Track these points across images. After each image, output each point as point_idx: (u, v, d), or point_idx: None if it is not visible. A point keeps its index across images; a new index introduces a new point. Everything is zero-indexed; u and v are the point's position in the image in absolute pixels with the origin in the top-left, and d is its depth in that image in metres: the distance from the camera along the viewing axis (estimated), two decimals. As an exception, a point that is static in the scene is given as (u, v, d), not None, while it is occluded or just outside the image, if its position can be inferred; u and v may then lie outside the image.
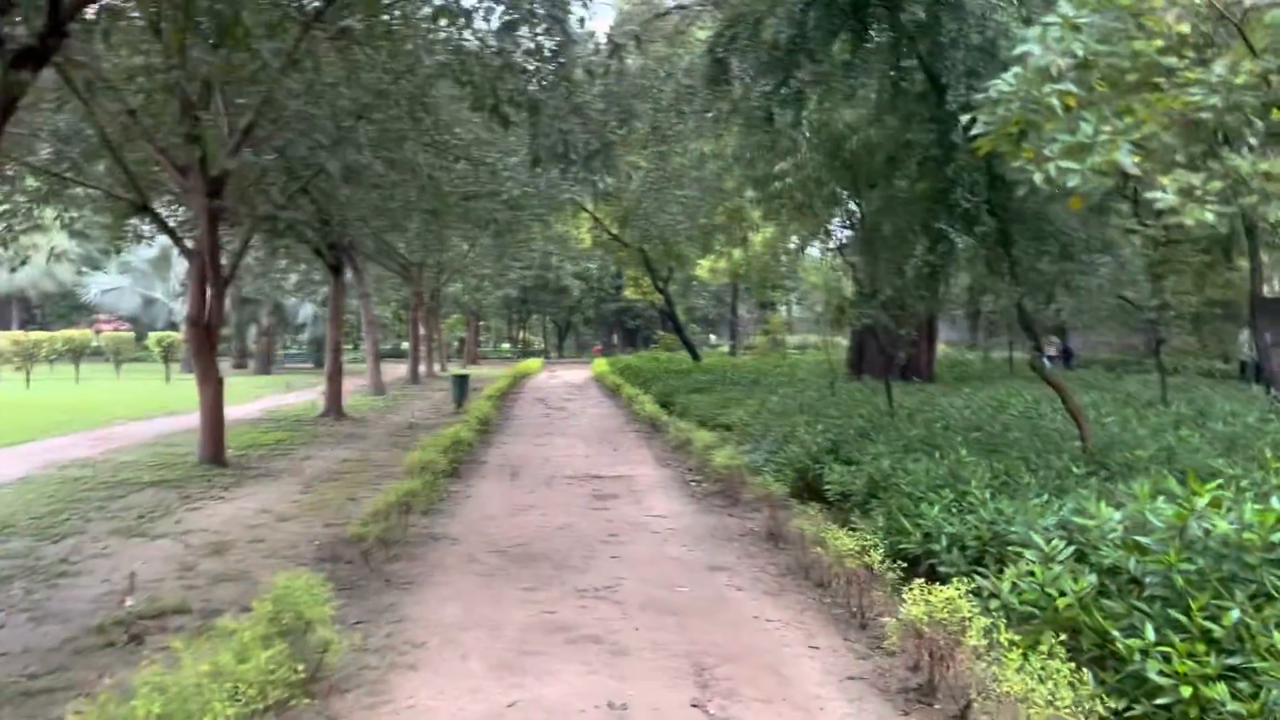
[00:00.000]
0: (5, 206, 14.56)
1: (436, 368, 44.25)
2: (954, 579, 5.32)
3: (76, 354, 38.99)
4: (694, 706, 4.98)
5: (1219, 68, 5.23)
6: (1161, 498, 5.50)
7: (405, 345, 45.83)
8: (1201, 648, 4.22)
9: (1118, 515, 5.34)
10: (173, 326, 45.07)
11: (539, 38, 9.69)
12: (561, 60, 9.87)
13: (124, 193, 14.02)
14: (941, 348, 32.04)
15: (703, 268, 45.49)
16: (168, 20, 9.91)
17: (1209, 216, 4.87)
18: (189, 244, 14.35)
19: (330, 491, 11.58)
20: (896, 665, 5.58)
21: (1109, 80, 5.69)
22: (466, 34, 9.97)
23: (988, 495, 7.07)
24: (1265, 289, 20.40)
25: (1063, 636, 4.55)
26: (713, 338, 73.92)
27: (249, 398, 27.15)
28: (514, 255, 36.24)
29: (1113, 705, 4.06)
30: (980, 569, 6.07)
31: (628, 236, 33.68)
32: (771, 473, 10.47)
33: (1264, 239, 19.11)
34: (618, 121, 11.80)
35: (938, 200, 9.21)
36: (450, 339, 65.24)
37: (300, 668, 4.54)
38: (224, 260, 15.52)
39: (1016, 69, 5.54)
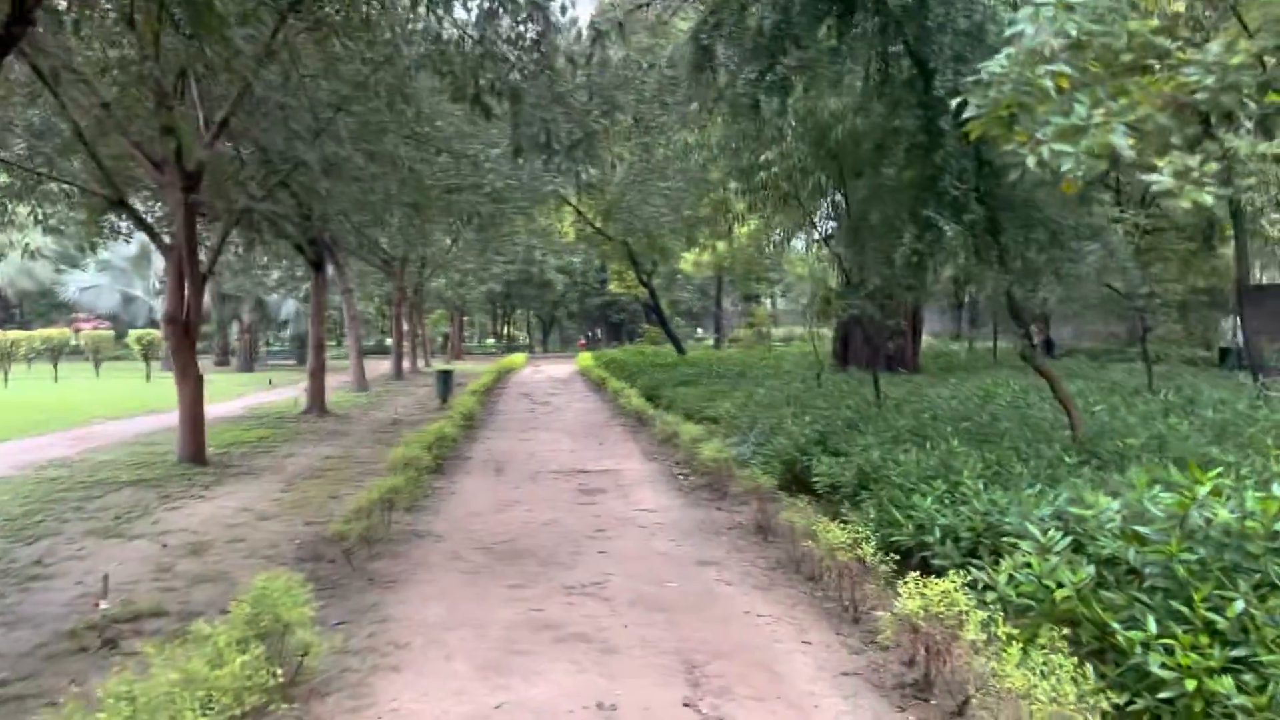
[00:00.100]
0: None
1: (420, 363, 44.04)
2: (949, 572, 5.21)
3: (55, 353, 38.51)
4: (685, 706, 4.85)
5: (1215, 48, 5.13)
6: (1158, 487, 5.40)
7: (389, 341, 45.52)
8: (1205, 640, 4.12)
9: (1115, 505, 5.24)
10: (153, 324, 44.56)
11: (520, 26, 9.53)
12: (543, 49, 9.71)
13: (99, 188, 13.78)
14: (926, 339, 32.01)
15: (687, 261, 45.38)
16: (140, 10, 9.68)
17: (1207, 198, 4.77)
18: (166, 240, 14.09)
19: (312, 489, 11.40)
20: (891, 660, 5.47)
21: (1103, 61, 5.59)
22: (446, 23, 9.80)
23: (980, 486, 6.97)
24: (1262, 277, 20.33)
25: (1066, 631, 4.44)
26: (700, 331, 73.83)
27: (231, 395, 26.88)
28: (497, 249, 36.08)
29: (1114, 700, 3.94)
30: (974, 561, 5.97)
31: (611, 230, 33.51)
32: (759, 465, 10.37)
33: (1248, 226, 19.14)
34: (600, 112, 11.61)
35: (925, 188, 9.10)
36: (434, 334, 64.98)
37: (279, 671, 4.39)
38: (203, 256, 15.31)
39: (1009, 50, 5.41)
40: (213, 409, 20.14)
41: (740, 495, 10.35)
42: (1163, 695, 4.10)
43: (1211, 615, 4.23)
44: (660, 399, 20.13)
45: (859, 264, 11.42)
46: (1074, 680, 3.93)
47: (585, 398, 26.52)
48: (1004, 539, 5.88)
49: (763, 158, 12.59)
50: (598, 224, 34.58)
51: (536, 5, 9.02)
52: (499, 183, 16.84)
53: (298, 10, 10.34)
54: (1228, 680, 3.91)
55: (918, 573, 5.26)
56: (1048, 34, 5.29)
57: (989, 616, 4.64)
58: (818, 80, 10.05)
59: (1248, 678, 3.94)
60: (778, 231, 27.18)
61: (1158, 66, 5.69)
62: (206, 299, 40.21)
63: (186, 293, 13.18)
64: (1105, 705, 3.81)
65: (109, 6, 10.86)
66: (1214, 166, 4.88)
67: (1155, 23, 5.35)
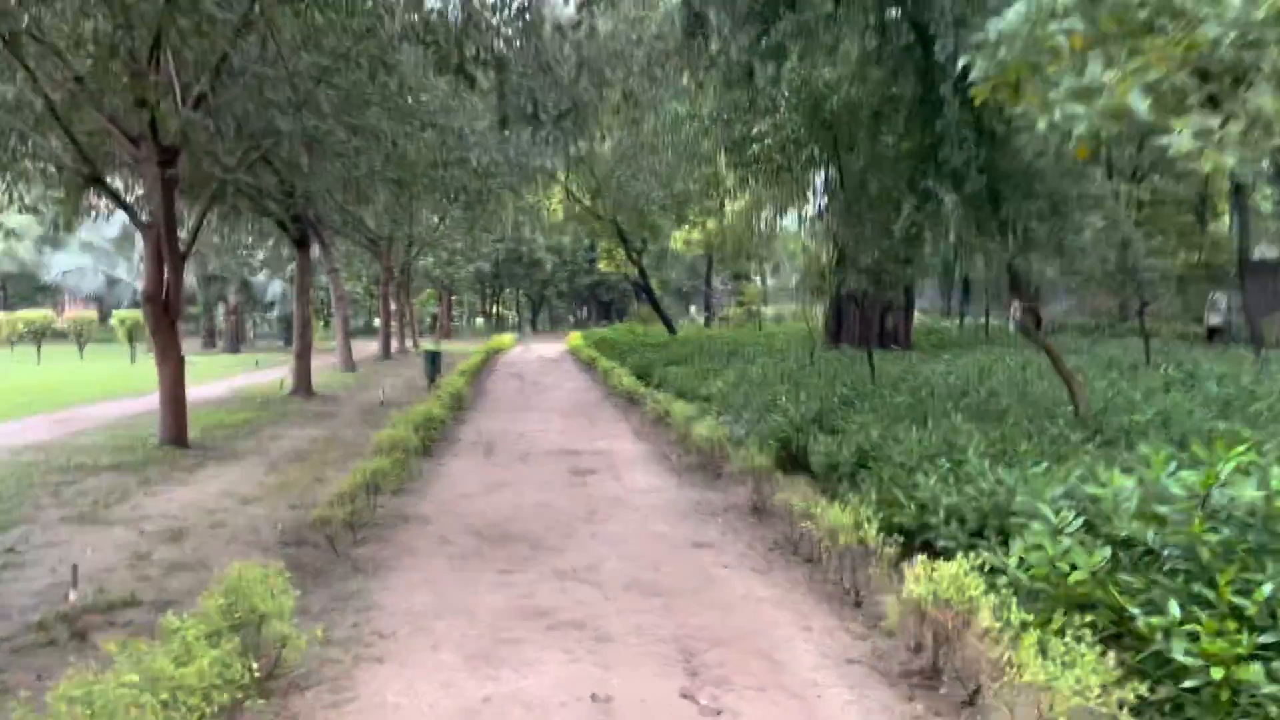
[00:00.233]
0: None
1: (409, 344, 43.67)
2: (958, 555, 4.98)
3: (38, 335, 38.04)
4: (684, 697, 4.62)
5: (1236, 1, 4.87)
6: (1174, 464, 5.18)
7: (377, 321, 45.10)
8: (1232, 625, 3.90)
9: (1131, 484, 5.01)
10: (137, 306, 43.97)
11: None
12: (528, 16, 9.39)
13: (75, 165, 13.39)
14: (916, 315, 31.80)
15: (677, 239, 45.03)
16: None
17: (1230, 161, 4.52)
18: (144, 218, 13.72)
19: (296, 472, 11.13)
20: (896, 646, 5.26)
21: (1117, 18, 5.31)
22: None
23: (985, 464, 6.74)
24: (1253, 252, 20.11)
25: (1088, 618, 4.21)
26: (692, 309, 73.51)
27: (217, 376, 26.52)
28: (485, 228, 35.64)
29: (1139, 690, 3.72)
30: (981, 542, 5.75)
31: (600, 207, 33.15)
32: (754, 444, 10.13)
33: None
34: (590, 83, 11.29)
35: (924, 158, 8.84)
36: (422, 314, 64.52)
37: (254, 666, 4.14)
38: (184, 235, 14.94)
39: (1018, 6, 5.13)
40: (197, 391, 19.83)
41: (735, 475, 10.13)
42: (1187, 684, 3.89)
43: (1238, 599, 4.02)
44: (651, 378, 19.90)
45: (855, 238, 11.15)
46: (1094, 670, 3.70)
47: (575, 377, 26.27)
48: (1012, 519, 5.67)
49: (755, 129, 12.30)
50: (586, 201, 34.20)
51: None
52: (485, 158, 16.49)
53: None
54: (1256, 668, 3.69)
55: (924, 555, 5.03)
56: (1060, -13, 5.01)
57: (1001, 601, 4.42)
58: (813, 47, 9.76)
59: (1277, 665, 3.72)
60: (768, 208, 26.90)
61: (1171, 27, 5.43)
62: (191, 280, 39.93)
63: (166, 272, 12.84)
64: (1130, 697, 3.58)
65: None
66: (1237, 128, 4.62)
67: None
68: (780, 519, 8.20)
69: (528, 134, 14.57)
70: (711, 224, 37.57)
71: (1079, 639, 3.84)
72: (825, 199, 18.75)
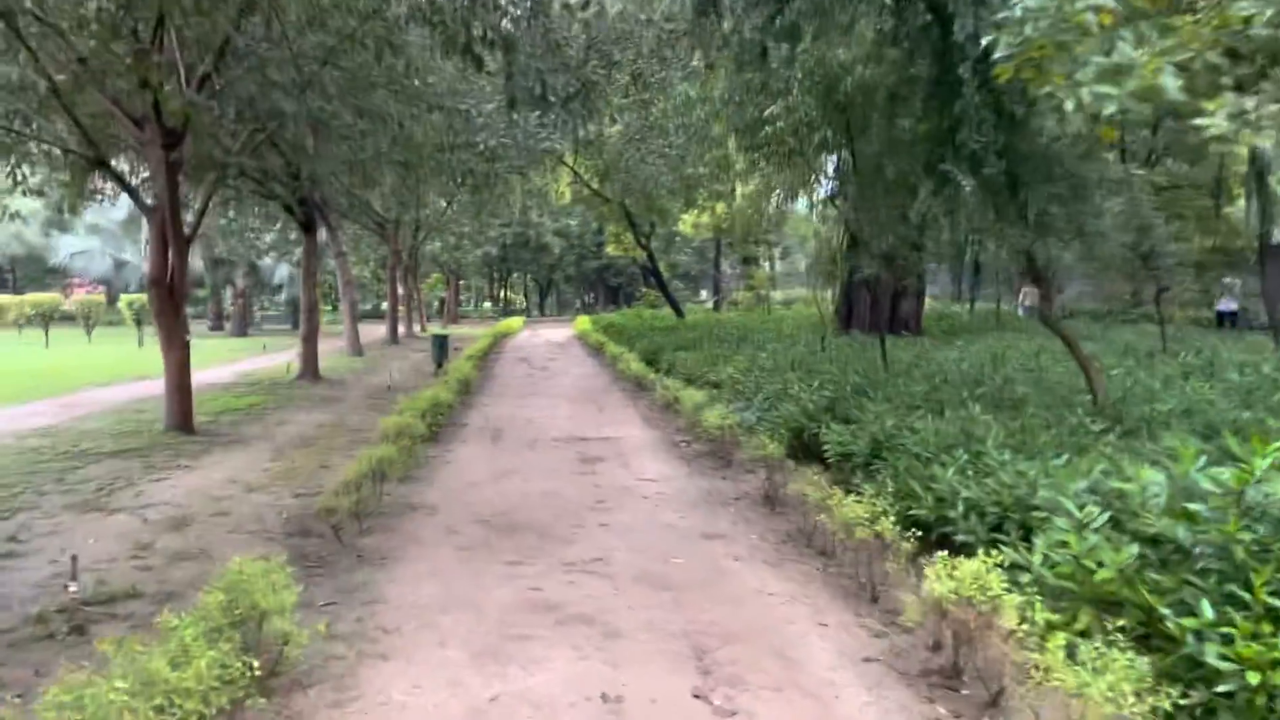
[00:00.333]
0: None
1: (416, 328, 43.57)
2: (979, 550, 4.83)
3: (46, 318, 38.00)
4: (696, 697, 4.49)
5: (1272, -23, 4.67)
6: (1203, 458, 5.00)
7: (385, 305, 44.96)
8: (1268, 628, 3.75)
9: (1161, 479, 4.84)
10: (144, 289, 44.01)
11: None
12: (537, -6, 9.21)
13: (78, 147, 13.25)
14: (927, 301, 31.56)
15: (685, 223, 44.74)
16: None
17: (1268, 142, 4.34)
18: (149, 201, 13.58)
19: (302, 458, 11.02)
20: (914, 644, 5.12)
21: (1148, -6, 5.12)
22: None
23: (1005, 456, 6.57)
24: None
25: (1119, 621, 4.05)
26: (704, 294, 73.20)
27: (224, 360, 26.44)
28: (493, 211, 35.43)
29: (1174, 697, 3.56)
30: (1000, 537, 5.60)
31: (609, 190, 32.90)
32: (765, 432, 9.98)
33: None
34: (598, 63, 11.09)
35: (942, 141, 8.64)
36: (430, 298, 64.41)
37: (255, 664, 4.01)
38: (190, 218, 14.81)
39: (1046, -20, 4.93)
40: (204, 375, 19.77)
41: (745, 463, 10.00)
42: (1221, 689, 3.74)
43: (1274, 600, 3.86)
44: (660, 363, 19.75)
45: (869, 222, 10.95)
46: (1127, 677, 3.55)
47: (583, 362, 26.12)
48: (1032, 513, 5.51)
49: (768, 111, 12.08)
50: (594, 185, 33.95)
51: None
52: (493, 141, 16.27)
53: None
54: (1294, 673, 3.54)
55: (944, 551, 4.87)
56: (1089, -38, 4.82)
57: (1026, 600, 4.27)
58: (828, 27, 9.53)
59: (1317, 671, 3.57)
60: (778, 192, 26.62)
61: (1203, 4, 5.23)
62: (199, 263, 39.77)
63: (171, 255, 12.71)
64: (1166, 705, 3.43)
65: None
66: (1276, 108, 4.43)
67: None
68: (793, 509, 8.06)
69: (535, 116, 14.41)
70: (720, 207, 37.29)
71: (1111, 643, 3.68)
72: (837, 183, 18.50)
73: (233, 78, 11.83)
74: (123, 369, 23.31)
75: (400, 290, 38.25)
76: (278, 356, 26.46)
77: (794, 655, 5.00)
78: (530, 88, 9.07)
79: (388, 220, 32.55)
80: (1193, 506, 4.47)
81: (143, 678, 3.24)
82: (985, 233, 8.96)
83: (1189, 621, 3.96)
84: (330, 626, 5.26)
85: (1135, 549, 4.46)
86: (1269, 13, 4.59)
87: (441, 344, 23.71)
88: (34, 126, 13.88)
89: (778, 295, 56.95)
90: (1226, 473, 4.50)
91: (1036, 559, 4.74)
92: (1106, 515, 4.85)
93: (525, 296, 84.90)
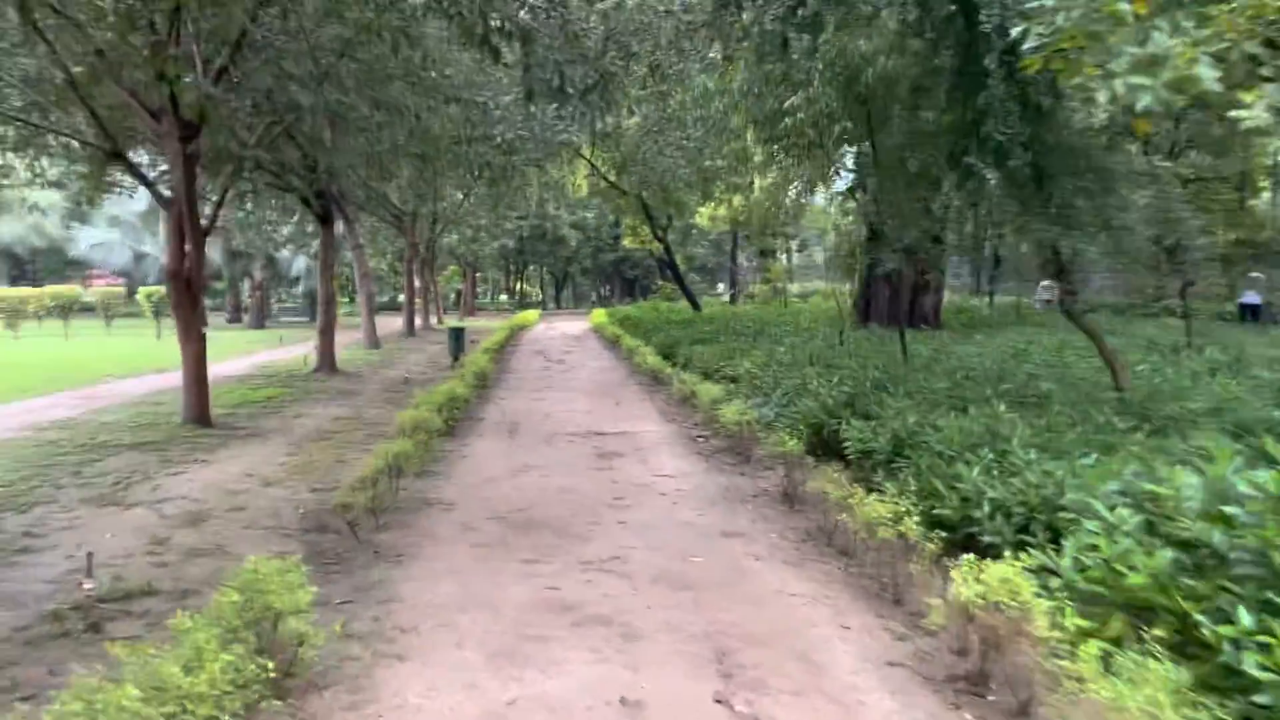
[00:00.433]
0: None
1: (433, 320, 43.62)
2: (1007, 553, 4.72)
3: (65, 310, 38.22)
4: (718, 702, 4.40)
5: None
6: (1240, 459, 4.88)
7: (402, 298, 45.07)
8: (1309, 638, 3.62)
9: (1196, 481, 4.71)
10: (163, 281, 44.20)
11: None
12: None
13: (95, 140, 13.26)
14: (946, 294, 31.30)
15: (702, 215, 44.59)
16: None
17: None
18: (166, 193, 13.58)
19: (319, 452, 10.99)
20: (939, 648, 5.01)
21: (1185, -17, 4.98)
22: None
23: (1031, 455, 6.45)
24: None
25: (1155, 630, 3.93)
26: (720, 286, 72.99)
27: (241, 352, 26.53)
28: (510, 204, 35.38)
29: (1217, 713, 3.45)
30: (1027, 539, 5.48)
31: (626, 183, 32.78)
32: (784, 428, 9.86)
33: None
34: (617, 55, 10.98)
35: (966, 133, 8.49)
36: (447, 291, 64.50)
37: (269, 665, 3.96)
38: (208, 211, 14.80)
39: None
40: (222, 367, 19.82)
41: (764, 460, 9.90)
42: (1260, 700, 3.62)
43: (1316, 609, 3.74)
44: (676, 357, 19.64)
45: (890, 215, 10.81)
46: (1166, 689, 3.44)
47: (600, 356, 26.05)
48: (1061, 515, 5.39)
49: (788, 103, 11.94)
50: (611, 177, 33.84)
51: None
52: (510, 133, 16.20)
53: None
54: (1338, 685, 3.42)
55: (970, 554, 4.77)
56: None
57: (1056, 606, 4.16)
58: (850, 18, 9.39)
59: (1361, 683, 3.45)
60: (795, 185, 26.44)
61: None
62: (217, 255, 39.89)
63: (188, 248, 12.70)
64: (1207, 719, 3.32)
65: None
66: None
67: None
68: (812, 507, 7.95)
69: (553, 108, 14.31)
70: (738, 200, 37.12)
71: (1148, 653, 3.57)
72: (858, 175, 18.33)
73: (249, 70, 11.80)
74: (141, 361, 23.40)
75: (417, 283, 38.29)
76: (295, 348, 26.52)
77: (817, 658, 4.91)
78: (548, 79, 8.96)
79: (405, 213, 32.57)
80: (1229, 510, 4.35)
81: (155, 683, 3.18)
82: (1010, 226, 8.79)
83: (1226, 629, 3.83)
84: (346, 626, 5.22)
85: (1169, 553, 4.34)
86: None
87: (458, 337, 23.70)
88: (52, 119, 13.92)
89: (794, 288, 56.73)
90: (1264, 475, 4.37)
91: (1066, 562, 4.62)
92: (1139, 518, 4.73)
93: (541, 289, 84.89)
